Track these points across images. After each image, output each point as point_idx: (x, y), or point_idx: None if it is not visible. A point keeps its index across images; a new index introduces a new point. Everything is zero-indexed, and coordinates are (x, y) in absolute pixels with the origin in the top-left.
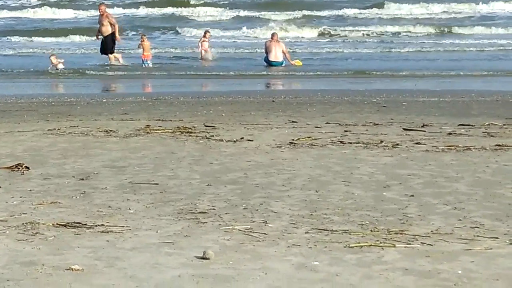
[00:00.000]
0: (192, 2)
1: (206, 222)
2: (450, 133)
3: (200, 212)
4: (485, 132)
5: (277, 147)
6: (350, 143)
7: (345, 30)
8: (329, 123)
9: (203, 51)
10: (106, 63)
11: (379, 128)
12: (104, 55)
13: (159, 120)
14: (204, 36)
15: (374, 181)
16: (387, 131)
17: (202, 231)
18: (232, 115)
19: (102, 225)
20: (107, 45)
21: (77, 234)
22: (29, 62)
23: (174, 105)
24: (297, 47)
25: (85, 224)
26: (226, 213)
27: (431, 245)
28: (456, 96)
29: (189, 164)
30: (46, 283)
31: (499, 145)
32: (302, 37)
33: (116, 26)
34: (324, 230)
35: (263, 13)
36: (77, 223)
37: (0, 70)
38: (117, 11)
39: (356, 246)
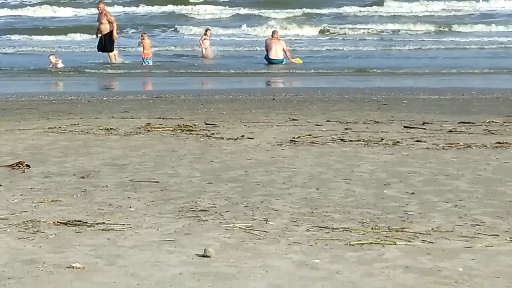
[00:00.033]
0: (191, 0)
1: (207, 220)
2: (450, 131)
3: (201, 210)
4: (486, 129)
5: (278, 145)
6: (351, 141)
7: (345, 28)
8: (329, 121)
9: (204, 50)
10: (106, 61)
11: (379, 126)
12: (102, 53)
13: (160, 118)
14: (205, 34)
15: (375, 178)
16: (387, 129)
17: (203, 229)
18: (233, 113)
19: (103, 223)
20: (106, 44)
21: (78, 232)
22: (29, 60)
23: (175, 103)
24: (297, 45)
25: (86, 222)
26: (227, 211)
27: (432, 242)
28: (457, 94)
29: (189, 162)
30: (47, 281)
31: (499, 143)
32: (302, 35)
33: (115, 24)
34: (324, 228)
35: (263, 11)
36: (78, 221)
37: (0, 68)
38: (117, 9)
39: (357, 244)
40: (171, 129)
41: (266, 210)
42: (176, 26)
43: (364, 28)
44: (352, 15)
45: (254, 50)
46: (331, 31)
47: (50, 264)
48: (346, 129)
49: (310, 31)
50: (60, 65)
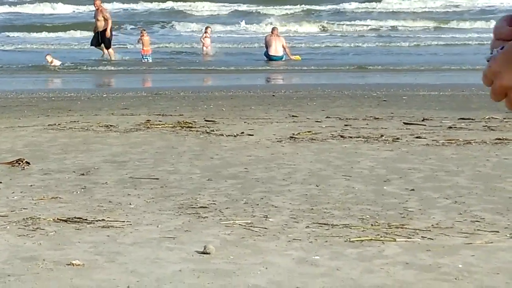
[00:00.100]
0: None
1: (207, 217)
2: (450, 127)
3: (201, 207)
4: (485, 126)
5: (278, 141)
6: (351, 137)
7: (344, 25)
8: (329, 117)
9: (204, 48)
10: (105, 58)
11: (379, 122)
12: (94, 47)
13: (160, 115)
14: (206, 32)
15: (375, 175)
16: (387, 125)
17: (203, 225)
18: (232, 109)
19: (103, 220)
20: (104, 40)
21: (78, 229)
22: (28, 57)
23: (175, 100)
24: (296, 41)
25: (86, 219)
26: (227, 208)
27: (432, 239)
28: (456, 90)
29: (189, 159)
30: (47, 278)
31: (499, 139)
32: (302, 32)
33: (109, 21)
34: (324, 224)
35: (261, 7)
36: (77, 218)
37: None
38: (116, 5)
39: (357, 240)
40: (171, 126)
41: (266, 207)
42: (174, 23)
43: (363, 25)
44: (351, 12)
45: (253, 47)
46: (329, 28)
47: (50, 261)
48: (346, 125)
49: (309, 27)
50: (57, 63)
